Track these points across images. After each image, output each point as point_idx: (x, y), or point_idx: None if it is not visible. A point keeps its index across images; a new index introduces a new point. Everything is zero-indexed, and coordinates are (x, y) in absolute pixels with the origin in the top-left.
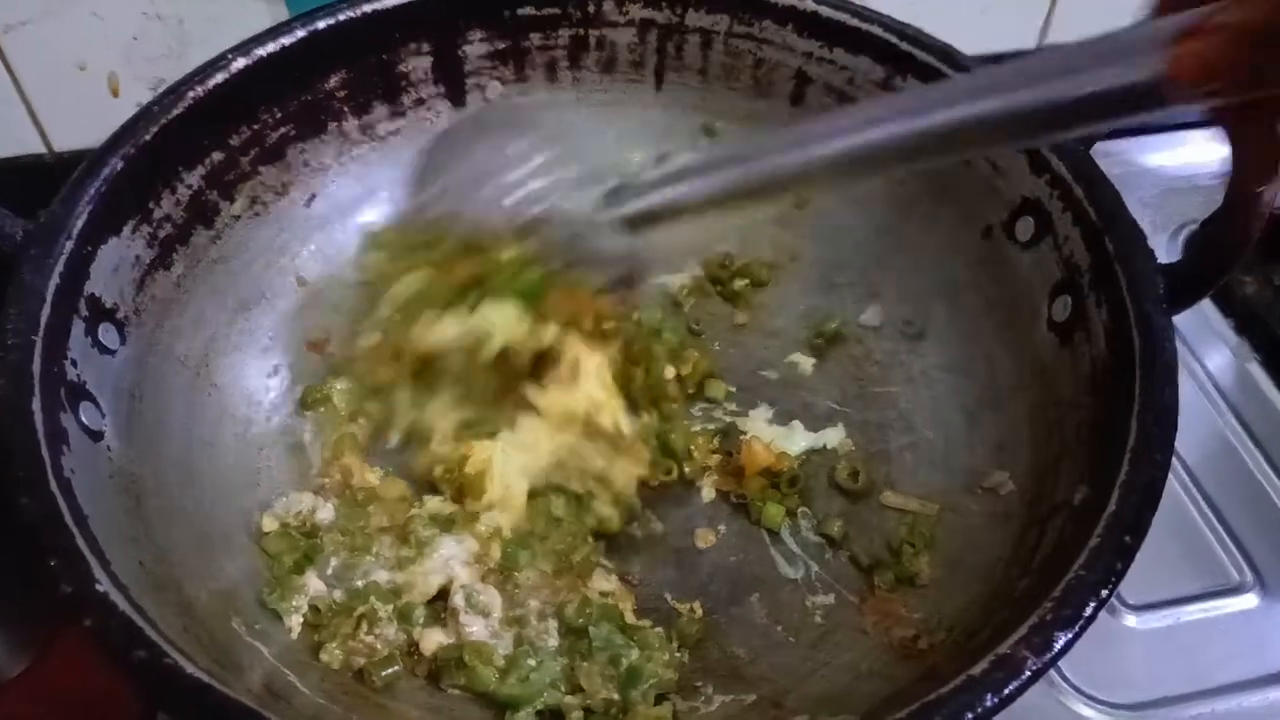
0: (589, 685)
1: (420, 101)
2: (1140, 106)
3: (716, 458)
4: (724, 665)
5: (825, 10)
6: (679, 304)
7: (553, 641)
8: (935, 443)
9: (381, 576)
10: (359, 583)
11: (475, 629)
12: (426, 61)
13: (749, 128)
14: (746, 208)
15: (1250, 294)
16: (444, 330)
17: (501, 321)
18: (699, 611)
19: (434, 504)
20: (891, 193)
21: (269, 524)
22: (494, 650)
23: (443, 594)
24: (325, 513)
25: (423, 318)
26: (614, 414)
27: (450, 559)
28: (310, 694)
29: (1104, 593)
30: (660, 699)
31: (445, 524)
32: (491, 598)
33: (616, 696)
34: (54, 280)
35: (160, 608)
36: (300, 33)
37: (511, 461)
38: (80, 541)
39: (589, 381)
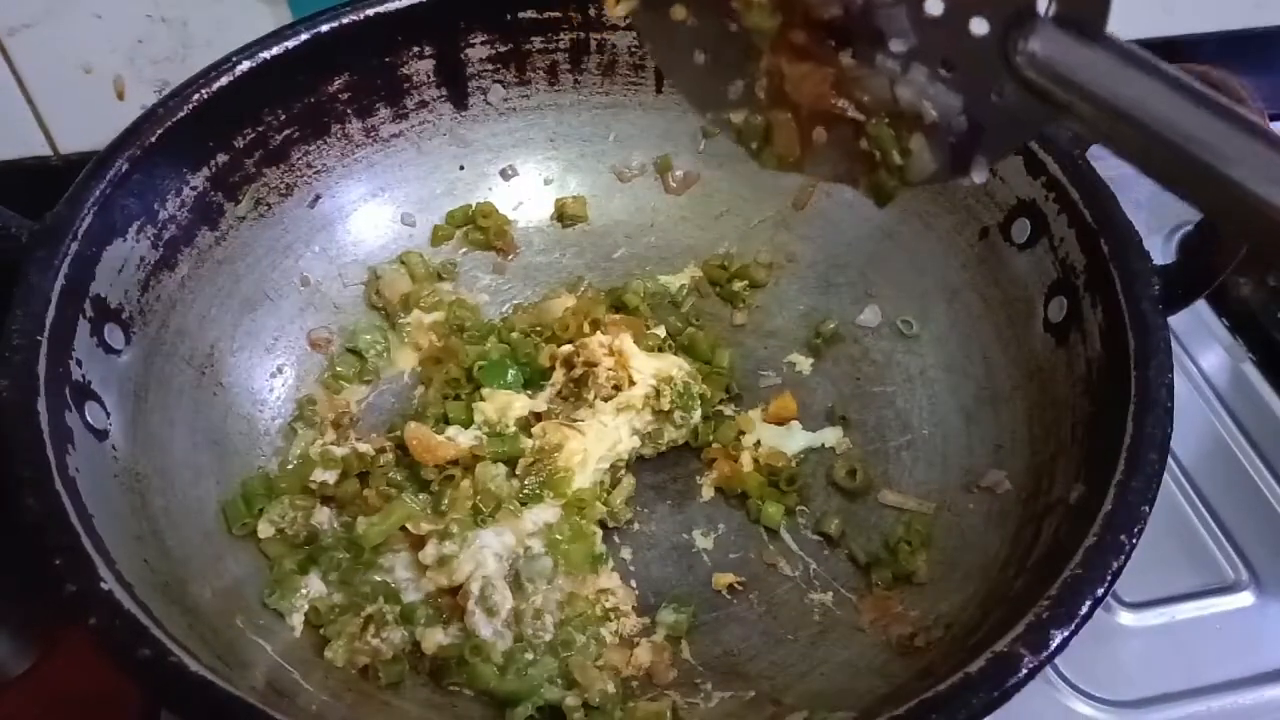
0: (583, 679)
1: (423, 104)
2: None
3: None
4: (723, 662)
5: None
6: (678, 304)
7: (547, 636)
8: (932, 442)
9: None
10: (364, 585)
11: (482, 627)
12: (429, 64)
13: None
14: None
15: (1245, 294)
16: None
17: (500, 407)
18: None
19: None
20: None
21: (264, 530)
22: (493, 647)
23: (453, 589)
24: (322, 516)
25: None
26: (679, 370)
27: (485, 548)
28: (314, 691)
29: (1100, 591)
30: (659, 695)
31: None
32: (504, 597)
33: (612, 690)
34: (59, 281)
35: (165, 606)
36: (304, 35)
37: (594, 453)
38: (85, 541)
39: (640, 363)
